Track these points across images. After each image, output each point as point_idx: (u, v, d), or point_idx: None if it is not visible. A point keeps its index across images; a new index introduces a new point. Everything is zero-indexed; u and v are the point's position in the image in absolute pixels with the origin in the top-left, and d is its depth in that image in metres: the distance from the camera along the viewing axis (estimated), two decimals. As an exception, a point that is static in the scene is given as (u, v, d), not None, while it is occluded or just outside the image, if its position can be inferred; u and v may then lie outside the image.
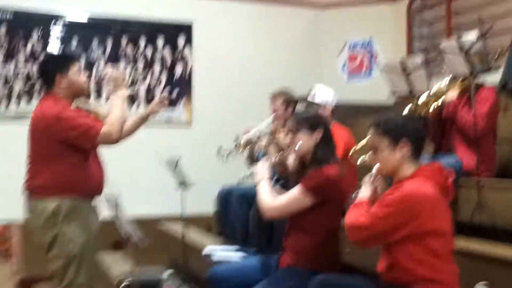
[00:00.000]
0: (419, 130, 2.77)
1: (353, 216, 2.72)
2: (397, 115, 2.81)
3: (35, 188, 3.54)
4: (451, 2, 6.24)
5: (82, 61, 6.08)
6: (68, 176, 3.51)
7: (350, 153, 4.42)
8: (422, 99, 4.06)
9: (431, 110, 4.06)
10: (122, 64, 6.44)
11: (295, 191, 3.21)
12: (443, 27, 6.32)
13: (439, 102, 4.12)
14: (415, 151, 2.72)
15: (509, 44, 4.56)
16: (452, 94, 4.14)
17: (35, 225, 3.56)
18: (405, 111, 3.88)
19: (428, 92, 4.12)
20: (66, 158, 3.48)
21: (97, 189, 3.66)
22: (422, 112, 4.02)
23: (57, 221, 3.48)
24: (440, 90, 4.16)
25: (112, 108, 3.52)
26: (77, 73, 3.62)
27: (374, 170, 2.86)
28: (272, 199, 3.28)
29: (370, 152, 2.84)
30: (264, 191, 3.32)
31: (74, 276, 3.50)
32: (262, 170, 3.40)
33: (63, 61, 3.66)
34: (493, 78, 4.21)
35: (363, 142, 3.86)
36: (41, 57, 6.09)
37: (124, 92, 3.59)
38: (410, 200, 2.57)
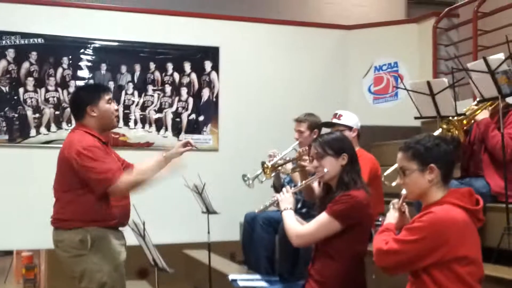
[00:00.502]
0: (449, 154, 2.71)
1: (381, 241, 2.68)
2: (427, 137, 2.73)
3: (62, 221, 3.56)
4: (477, 21, 6.18)
5: (112, 91, 6.12)
6: (93, 206, 3.52)
7: (382, 177, 4.39)
8: (454, 118, 4.02)
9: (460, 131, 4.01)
10: (150, 89, 6.49)
11: (323, 217, 3.17)
12: (469, 47, 6.25)
13: (470, 123, 4.08)
14: (444, 175, 2.67)
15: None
16: (483, 115, 4.08)
17: (64, 256, 3.57)
18: (436, 133, 3.83)
19: (459, 113, 4.08)
20: (89, 189, 3.49)
21: (123, 218, 3.67)
22: (453, 133, 3.97)
23: (85, 250, 3.49)
24: (471, 111, 4.12)
25: (146, 167, 3.56)
26: (107, 105, 3.66)
27: (402, 195, 2.82)
28: (299, 226, 3.24)
29: (398, 177, 2.79)
30: (290, 218, 3.28)
31: None
32: (286, 197, 3.36)
33: (94, 92, 3.70)
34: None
35: (395, 166, 3.82)
36: (71, 84, 6.19)
37: (165, 176, 3.60)
38: (439, 226, 2.52)
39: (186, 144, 3.79)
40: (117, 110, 3.76)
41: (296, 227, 3.24)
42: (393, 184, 3.75)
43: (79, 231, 3.50)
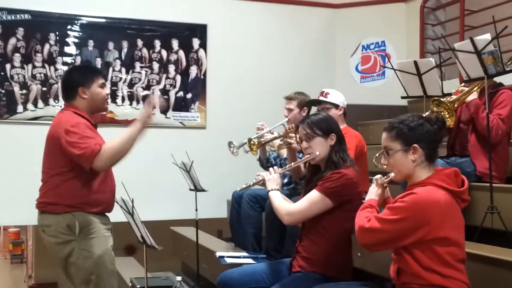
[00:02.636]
0: (433, 134, 2.72)
1: (363, 218, 2.71)
2: (411, 117, 2.75)
3: (48, 204, 3.56)
4: (464, 1, 6.20)
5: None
6: (81, 191, 3.52)
7: (367, 155, 4.43)
8: (446, 99, 4.05)
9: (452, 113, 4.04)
10: (137, 66, 6.48)
11: (315, 195, 3.20)
12: (456, 26, 6.27)
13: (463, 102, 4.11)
14: (428, 155, 2.70)
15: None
16: (472, 96, 4.12)
17: (51, 241, 3.57)
18: (426, 114, 3.85)
19: (445, 93, 4.11)
20: (77, 173, 3.50)
21: (109, 204, 3.67)
22: (444, 115, 4.00)
23: (74, 236, 3.50)
24: (461, 93, 4.15)
25: (121, 137, 3.49)
26: (99, 89, 3.66)
27: (389, 174, 2.85)
28: (289, 205, 3.27)
29: (382, 156, 2.83)
30: (278, 198, 3.30)
31: None
32: (274, 177, 3.38)
33: (87, 74, 3.69)
34: (510, 79, 4.18)
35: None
36: (58, 61, 6.15)
37: (141, 129, 3.52)
38: (420, 207, 2.55)
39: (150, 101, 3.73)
40: (108, 95, 3.76)
41: (286, 206, 3.26)
42: (385, 166, 3.80)
43: (67, 216, 3.50)
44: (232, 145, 4.49)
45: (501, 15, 5.10)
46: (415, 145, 2.68)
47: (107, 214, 3.70)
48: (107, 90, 3.75)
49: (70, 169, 3.50)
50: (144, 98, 6.41)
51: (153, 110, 3.67)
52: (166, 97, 6.54)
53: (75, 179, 3.50)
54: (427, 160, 2.70)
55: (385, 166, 2.85)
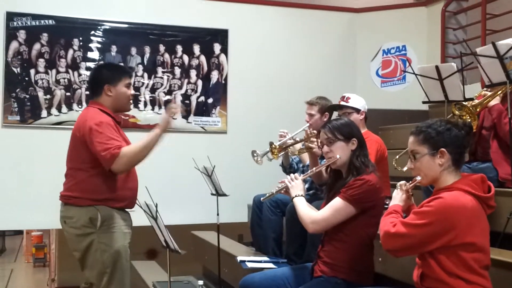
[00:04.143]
0: (460, 139, 2.71)
1: (388, 224, 2.70)
2: (439, 122, 2.74)
3: (73, 198, 3.61)
4: (486, 5, 6.17)
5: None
6: (105, 186, 3.58)
7: (388, 160, 4.42)
8: (469, 104, 4.04)
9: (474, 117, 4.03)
10: (159, 71, 6.53)
11: (338, 202, 3.20)
12: (478, 30, 6.24)
13: (486, 106, 4.09)
14: (455, 160, 2.69)
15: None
16: (495, 101, 4.10)
17: (72, 232, 3.63)
18: (447, 118, 3.84)
19: (467, 98, 4.09)
20: (100, 168, 3.54)
21: (131, 201, 3.73)
22: (465, 119, 3.98)
23: (94, 229, 3.55)
24: (483, 98, 4.13)
25: (140, 142, 3.55)
26: (125, 88, 3.72)
27: (415, 179, 2.82)
28: (314, 213, 3.26)
29: (409, 160, 2.81)
30: (302, 205, 3.30)
31: (106, 286, 3.58)
32: (297, 184, 3.38)
33: (115, 73, 3.75)
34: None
35: (406, 150, 3.85)
36: (81, 66, 6.23)
37: (161, 134, 3.59)
38: (448, 211, 2.54)
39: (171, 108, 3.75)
40: (132, 96, 3.82)
41: (311, 214, 3.25)
42: (404, 169, 3.81)
43: (90, 209, 3.56)
44: (255, 154, 4.50)
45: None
46: (442, 149, 2.67)
47: (128, 211, 3.76)
48: (132, 90, 3.80)
49: (94, 165, 3.55)
50: (166, 103, 6.46)
51: (174, 116, 3.70)
52: (187, 101, 6.58)
53: (99, 175, 3.56)
54: (454, 165, 2.70)
55: (403, 169, 2.83)
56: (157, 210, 3.33)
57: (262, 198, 3.70)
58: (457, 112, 4.10)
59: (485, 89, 4.25)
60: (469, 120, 3.99)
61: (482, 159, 4.23)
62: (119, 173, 3.57)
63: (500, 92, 4.10)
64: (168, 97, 6.54)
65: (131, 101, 3.86)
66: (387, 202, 3.19)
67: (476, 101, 4.15)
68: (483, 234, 2.63)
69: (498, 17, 6.13)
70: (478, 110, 4.14)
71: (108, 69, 3.86)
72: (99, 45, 6.34)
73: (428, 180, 2.76)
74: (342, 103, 4.65)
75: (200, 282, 3.66)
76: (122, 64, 6.26)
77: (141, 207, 3.49)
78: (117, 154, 3.44)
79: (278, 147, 4.46)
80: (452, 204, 2.55)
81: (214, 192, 4.95)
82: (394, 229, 2.64)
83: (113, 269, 3.59)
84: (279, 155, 4.53)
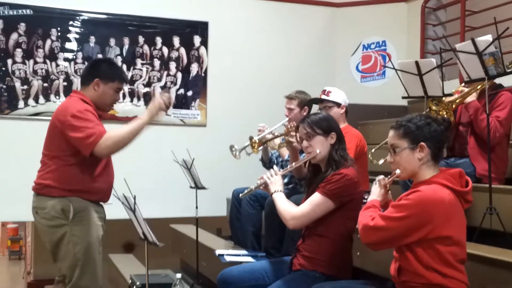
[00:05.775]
0: (440, 134, 2.74)
1: (367, 217, 2.72)
2: (419, 116, 2.78)
3: (45, 187, 3.57)
4: (465, 2, 6.21)
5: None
6: (79, 177, 3.55)
7: (368, 155, 4.44)
8: (445, 99, 4.07)
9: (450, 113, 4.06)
10: (138, 63, 6.48)
11: (317, 197, 3.21)
12: (457, 27, 6.28)
13: (463, 102, 4.13)
14: (434, 154, 2.72)
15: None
16: (472, 97, 4.13)
17: (44, 223, 3.60)
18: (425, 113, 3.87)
19: (446, 94, 4.12)
20: (76, 158, 3.52)
21: (105, 194, 3.70)
22: (442, 115, 4.01)
23: (67, 220, 3.52)
24: (461, 94, 4.15)
25: (126, 126, 3.53)
26: (114, 90, 3.70)
27: (394, 173, 2.84)
28: (293, 208, 3.27)
29: (388, 154, 2.83)
30: (282, 201, 3.31)
31: (78, 278, 3.56)
32: (276, 179, 3.39)
33: (111, 71, 3.72)
34: (510, 81, 4.19)
35: (384, 142, 3.86)
36: (59, 57, 6.17)
37: (148, 121, 3.57)
38: (425, 205, 2.56)
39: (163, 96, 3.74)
40: (116, 101, 3.80)
41: (290, 210, 3.26)
42: (380, 162, 3.83)
43: (62, 200, 3.52)
44: (233, 149, 4.48)
45: (502, 16, 5.12)
46: (422, 143, 2.70)
47: (102, 204, 3.73)
48: (119, 97, 3.79)
49: (71, 154, 3.52)
50: (145, 95, 6.43)
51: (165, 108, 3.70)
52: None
53: (75, 165, 3.53)
54: (433, 159, 2.72)
55: (379, 162, 2.84)
56: (135, 202, 3.31)
57: (241, 195, 3.69)
58: (434, 108, 4.13)
59: (462, 85, 4.27)
60: (446, 115, 4.02)
61: (459, 155, 4.27)
62: (101, 156, 3.51)
63: (478, 88, 4.13)
64: (147, 89, 6.49)
65: (113, 105, 3.83)
66: (365, 197, 3.20)
67: (453, 97, 4.18)
68: (460, 228, 2.66)
69: (477, 13, 6.16)
70: (454, 106, 4.18)
71: (107, 66, 3.82)
72: (77, 36, 6.29)
73: (407, 174, 2.78)
74: (323, 96, 4.65)
75: (178, 275, 3.63)
76: (100, 56, 6.22)
77: (119, 199, 3.46)
78: (101, 137, 3.40)
79: (258, 141, 4.44)
80: (430, 197, 2.58)
81: (193, 185, 4.93)
82: (372, 222, 2.66)
83: (85, 262, 3.56)
84: (259, 149, 4.52)
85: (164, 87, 6.56)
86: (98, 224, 3.65)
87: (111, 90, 3.69)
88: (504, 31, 3.80)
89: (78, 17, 6.28)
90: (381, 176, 2.97)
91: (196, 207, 4.90)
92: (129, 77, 6.44)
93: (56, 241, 3.56)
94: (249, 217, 4.73)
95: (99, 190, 3.65)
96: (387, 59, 6.69)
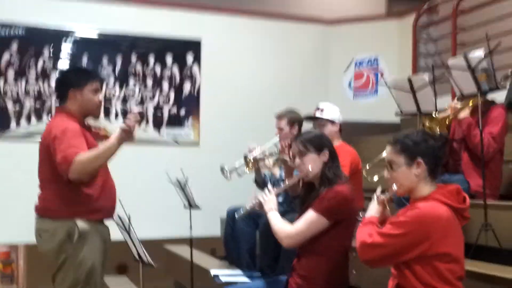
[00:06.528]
0: (437, 150, 2.73)
1: (365, 234, 2.70)
2: (416, 132, 2.77)
3: (50, 210, 3.51)
4: (457, 18, 6.24)
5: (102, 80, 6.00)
6: (79, 197, 3.48)
7: (363, 171, 4.42)
8: (439, 115, 4.08)
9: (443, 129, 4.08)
10: (131, 82, 6.46)
11: (312, 215, 3.18)
12: (449, 43, 6.30)
13: (456, 118, 4.14)
14: (431, 170, 2.70)
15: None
16: (465, 113, 4.13)
17: (46, 247, 3.52)
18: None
19: (439, 110, 4.13)
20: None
21: (109, 210, 3.62)
22: (435, 131, 4.01)
23: (70, 243, 3.45)
24: (453, 110, 4.16)
25: (97, 149, 3.42)
26: (92, 92, 3.58)
27: (391, 189, 2.83)
28: (288, 227, 3.25)
29: (385, 170, 2.82)
30: (276, 220, 3.29)
31: None
32: (270, 198, 3.38)
33: (79, 76, 3.64)
34: (502, 97, 4.20)
35: (377, 159, 3.85)
36: (52, 76, 6.14)
37: (117, 145, 3.39)
38: (424, 221, 2.55)
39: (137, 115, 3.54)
40: (101, 102, 3.67)
41: (285, 228, 3.24)
42: (375, 179, 3.81)
43: (67, 223, 3.45)
44: (224, 170, 4.47)
45: (492, 32, 5.14)
46: (419, 160, 2.68)
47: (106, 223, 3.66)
48: (101, 96, 3.66)
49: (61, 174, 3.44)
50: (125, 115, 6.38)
51: (135, 125, 3.43)
52: (159, 114, 6.51)
53: (75, 186, 3.44)
54: (430, 175, 2.71)
55: (373, 178, 2.83)
56: (130, 222, 3.27)
57: (237, 216, 3.68)
58: (427, 124, 4.13)
59: (455, 101, 4.28)
60: (438, 131, 4.03)
61: (453, 171, 4.26)
62: (75, 181, 3.41)
63: (471, 104, 4.14)
64: (140, 108, 6.47)
65: (100, 107, 3.70)
66: (361, 216, 3.18)
67: (446, 113, 4.18)
68: (458, 245, 2.65)
69: (469, 30, 6.18)
70: (448, 122, 4.18)
71: (73, 73, 3.76)
72: (70, 55, 6.25)
73: (404, 190, 2.77)
74: (317, 114, 4.65)
75: (173, 297, 3.60)
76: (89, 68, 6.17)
77: (113, 219, 3.41)
78: (71, 162, 3.31)
79: (252, 160, 4.43)
80: (428, 214, 2.57)
81: (187, 205, 4.90)
82: (370, 239, 2.64)
83: (84, 286, 3.49)
84: (252, 169, 4.51)
85: (157, 106, 6.54)
86: (102, 247, 3.57)
87: (89, 93, 3.58)
88: (496, 47, 3.82)
89: (70, 36, 6.26)
90: (379, 193, 2.96)
91: (191, 227, 4.86)
92: (121, 96, 6.42)
93: (59, 264, 3.49)
94: (244, 236, 4.70)
95: (102, 208, 3.57)
96: (379, 76, 6.70)
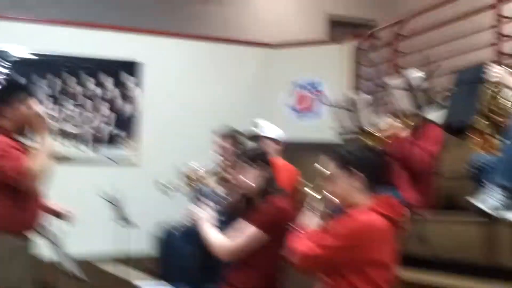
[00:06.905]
0: (375, 163, 2.81)
1: (304, 245, 2.71)
2: (355, 146, 2.87)
3: None
4: (398, 44, 6.38)
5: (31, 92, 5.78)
6: (6, 212, 3.31)
7: (305, 189, 4.42)
8: (380, 134, 4.12)
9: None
10: (70, 103, 6.32)
11: (251, 230, 3.20)
12: (389, 68, 6.43)
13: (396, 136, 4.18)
14: (369, 182, 2.75)
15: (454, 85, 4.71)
16: (405, 132, 4.18)
17: None
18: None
19: (380, 129, 4.17)
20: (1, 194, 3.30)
21: (34, 224, 3.48)
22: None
23: None
24: (392, 128, 4.21)
25: (39, 154, 3.33)
26: (21, 105, 3.40)
27: (326, 200, 2.87)
28: (227, 242, 3.25)
29: (319, 182, 2.88)
30: (214, 234, 3.30)
31: None
32: (208, 213, 3.39)
33: (6, 91, 3.53)
34: (439, 116, 4.26)
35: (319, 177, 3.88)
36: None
37: (44, 133, 3.37)
38: (362, 232, 2.60)
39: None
40: (38, 112, 3.42)
41: (223, 243, 3.26)
42: (319, 197, 3.78)
43: None
44: (162, 186, 4.42)
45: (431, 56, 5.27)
46: (356, 172, 2.73)
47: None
48: (37, 107, 3.44)
49: None
50: (76, 136, 6.25)
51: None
52: (99, 134, 6.38)
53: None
54: (368, 187, 2.75)
55: (318, 197, 2.88)
56: (60, 238, 3.15)
57: (176, 233, 3.63)
58: (369, 143, 4.17)
59: (394, 119, 4.34)
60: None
61: (387, 185, 4.29)
62: (32, 189, 3.34)
63: (410, 123, 4.19)
64: (78, 130, 6.31)
65: (40, 119, 3.42)
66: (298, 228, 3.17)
67: (387, 133, 4.23)
68: (390, 253, 2.70)
69: (408, 55, 6.31)
70: (388, 140, 4.23)
71: (3, 91, 3.63)
72: (6, 77, 6.05)
73: (342, 200, 2.81)
74: (259, 132, 4.67)
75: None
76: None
77: (42, 234, 3.27)
78: (25, 172, 3.23)
79: (195, 178, 4.42)
80: (365, 224, 2.62)
81: (123, 223, 4.78)
82: (311, 251, 2.66)
83: None
84: (193, 186, 4.48)
85: (96, 127, 6.39)
86: (29, 264, 3.41)
87: (20, 107, 3.41)
88: (437, 68, 3.92)
89: (6, 57, 6.10)
90: (315, 204, 2.95)
91: (126, 245, 4.75)
92: (60, 118, 6.24)
93: None
94: (180, 253, 4.62)
95: (29, 222, 3.42)
96: (322, 98, 6.75)
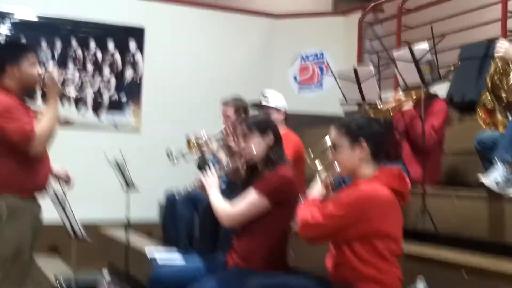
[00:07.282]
0: (380, 133, 2.81)
1: (307, 214, 2.72)
2: (361, 116, 2.85)
3: None
4: (401, 17, 6.34)
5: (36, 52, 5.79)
6: (13, 173, 3.33)
7: (307, 159, 4.42)
8: (383, 106, 4.11)
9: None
10: (71, 67, 6.28)
11: (253, 196, 3.17)
12: (393, 41, 6.39)
13: (400, 110, 4.19)
14: (374, 153, 2.76)
15: (458, 60, 4.71)
16: (408, 105, 4.18)
17: None
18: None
19: (388, 101, 4.17)
20: (6, 155, 3.31)
21: (42, 186, 3.49)
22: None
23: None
24: (398, 100, 4.20)
25: (46, 116, 3.36)
26: (29, 66, 3.43)
27: (333, 170, 2.86)
28: (229, 207, 3.23)
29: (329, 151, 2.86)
30: (218, 200, 3.27)
31: (2, 278, 3.32)
32: (212, 179, 3.35)
33: (14, 51, 3.48)
34: (443, 90, 4.26)
35: (322, 146, 3.88)
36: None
37: (56, 103, 3.43)
38: (366, 202, 2.61)
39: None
40: (40, 75, 3.49)
41: (226, 208, 3.23)
42: (318, 166, 3.80)
43: None
44: (171, 156, 4.41)
45: (436, 31, 5.24)
46: (362, 142, 2.73)
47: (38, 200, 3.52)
48: (38, 68, 3.50)
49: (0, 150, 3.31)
50: (77, 100, 6.23)
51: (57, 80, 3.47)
52: (100, 100, 6.34)
53: (7, 160, 3.31)
54: (373, 158, 2.76)
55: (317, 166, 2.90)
56: (65, 197, 3.15)
57: (177, 198, 3.61)
58: (372, 114, 4.17)
59: (400, 93, 4.33)
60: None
61: (394, 160, 4.30)
62: (39, 155, 3.35)
63: (414, 96, 4.19)
64: (79, 93, 6.29)
65: (39, 80, 3.50)
66: (302, 199, 3.17)
67: (390, 105, 4.23)
68: (397, 225, 2.72)
69: (413, 29, 6.28)
70: (391, 113, 4.23)
71: (8, 48, 3.60)
72: (7, 38, 6.01)
73: (347, 171, 2.82)
74: (263, 101, 4.66)
75: (107, 278, 3.49)
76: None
77: (47, 195, 3.27)
78: (32, 137, 3.25)
79: (196, 144, 4.41)
80: (369, 195, 2.63)
81: (124, 187, 4.78)
82: (313, 219, 2.67)
83: (11, 265, 3.33)
84: (195, 151, 4.48)
85: (97, 91, 6.38)
86: (34, 225, 3.43)
87: (28, 68, 3.43)
88: (441, 39, 3.89)
89: (8, 19, 6.05)
90: (323, 173, 2.95)
91: (127, 210, 4.75)
92: (61, 81, 6.20)
93: None
94: (183, 219, 4.63)
95: (35, 185, 3.43)
96: (325, 70, 6.73)
